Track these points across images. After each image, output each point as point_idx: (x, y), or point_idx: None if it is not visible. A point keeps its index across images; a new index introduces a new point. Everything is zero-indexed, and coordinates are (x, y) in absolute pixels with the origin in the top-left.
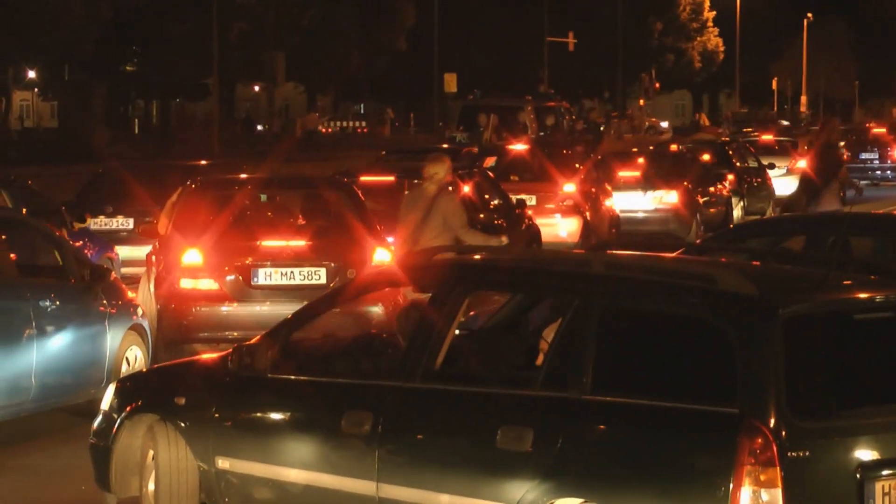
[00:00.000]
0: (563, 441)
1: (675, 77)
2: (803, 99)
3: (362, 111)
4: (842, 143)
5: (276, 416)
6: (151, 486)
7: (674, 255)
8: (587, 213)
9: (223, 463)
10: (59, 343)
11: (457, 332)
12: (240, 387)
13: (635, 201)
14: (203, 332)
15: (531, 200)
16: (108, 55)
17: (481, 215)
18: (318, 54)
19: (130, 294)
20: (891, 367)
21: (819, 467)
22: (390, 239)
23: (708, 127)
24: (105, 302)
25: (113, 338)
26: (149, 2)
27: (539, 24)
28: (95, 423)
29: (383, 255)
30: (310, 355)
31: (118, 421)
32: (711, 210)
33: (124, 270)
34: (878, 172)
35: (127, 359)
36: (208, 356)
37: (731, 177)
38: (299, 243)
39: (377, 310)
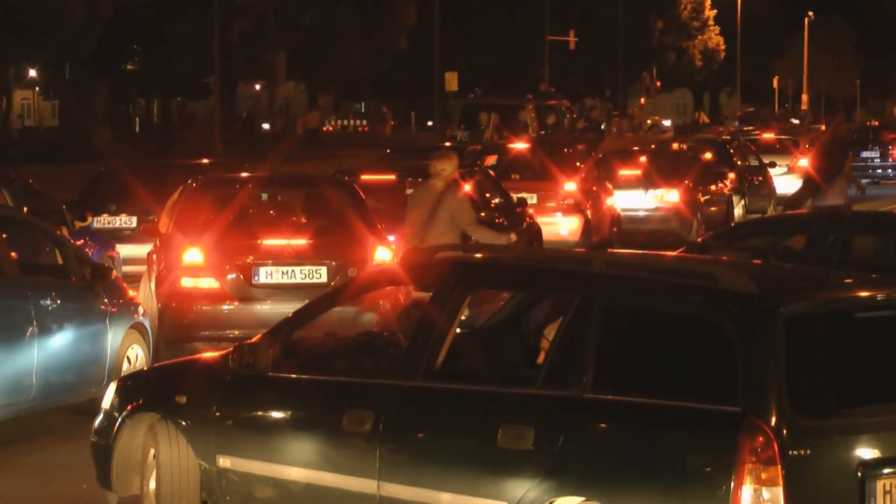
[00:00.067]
0: (564, 439)
1: (675, 76)
2: (804, 98)
3: (363, 110)
4: (854, 136)
5: (277, 414)
6: (152, 485)
7: (675, 253)
8: (588, 212)
9: (224, 461)
10: (60, 342)
11: (458, 330)
12: (241, 385)
13: (636, 200)
14: (204, 330)
15: (532, 199)
16: (108, 54)
17: (482, 214)
18: (318, 53)
19: (131, 293)
20: (892, 365)
21: (820, 466)
22: (391, 237)
23: (708, 125)
24: (106, 301)
25: (114, 336)
26: (150, 1)
27: (540, 22)
28: (96, 422)
29: (384, 253)
30: (311, 354)
31: (119, 420)
32: (712, 208)
33: (127, 269)
34: (880, 171)
35: (128, 357)
36: (209, 355)
37: (732, 175)
38: (300, 242)
39: (378, 308)
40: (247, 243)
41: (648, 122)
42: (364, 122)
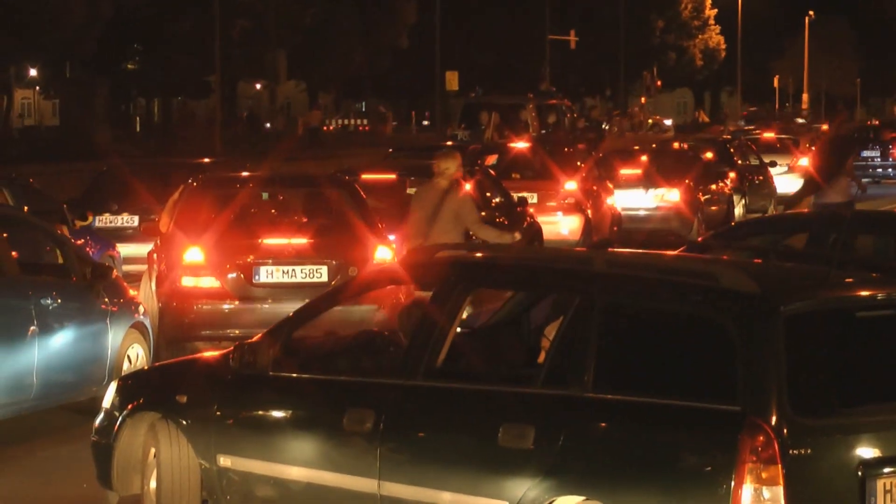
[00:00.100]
0: (564, 439)
1: (676, 75)
2: (805, 97)
3: (364, 109)
4: (855, 135)
5: (277, 413)
6: (153, 484)
7: (675, 252)
8: (589, 211)
9: (225, 461)
10: (60, 341)
11: (458, 329)
12: (241, 385)
13: (637, 199)
14: (204, 330)
15: (533, 198)
16: (109, 53)
17: (483, 213)
18: (319, 52)
19: (132, 292)
20: (892, 364)
21: (821, 465)
22: (392, 237)
23: (708, 124)
24: (107, 300)
25: (114, 336)
26: (150, 0)
27: (540, 22)
28: (97, 421)
29: (385, 253)
30: (311, 353)
31: (120, 419)
32: (713, 208)
33: (129, 268)
34: (880, 170)
35: (128, 357)
36: (210, 354)
37: (732, 175)
38: (301, 241)
39: (379, 307)
40: (247, 242)
41: (650, 121)
42: (365, 122)
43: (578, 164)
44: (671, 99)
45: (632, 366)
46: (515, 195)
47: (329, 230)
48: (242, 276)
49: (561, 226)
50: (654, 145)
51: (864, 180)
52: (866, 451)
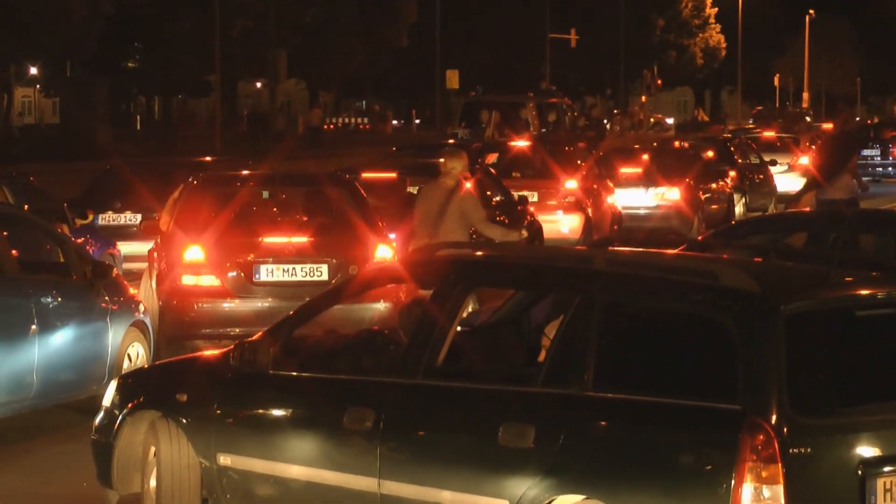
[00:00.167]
0: (564, 438)
1: (677, 74)
2: (805, 96)
3: (364, 108)
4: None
5: (277, 412)
6: (153, 483)
7: (675, 251)
8: (589, 210)
9: (225, 459)
10: (60, 339)
11: (459, 328)
12: (241, 383)
13: (637, 198)
14: (205, 328)
15: (533, 197)
16: (109, 52)
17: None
18: (319, 51)
19: (132, 290)
20: (893, 363)
21: (821, 464)
22: (392, 235)
23: (708, 123)
24: (107, 298)
25: (115, 334)
26: None
27: (541, 20)
28: (97, 420)
29: (385, 251)
30: (311, 352)
31: (120, 417)
32: (713, 206)
33: (131, 266)
34: (880, 169)
35: (129, 355)
36: (210, 353)
37: (732, 173)
38: (301, 240)
39: (379, 306)
40: (248, 241)
41: (652, 119)
42: (365, 121)
43: (579, 162)
44: (671, 98)
45: (632, 365)
46: (516, 194)
47: (329, 229)
48: (243, 274)
49: (561, 224)
50: (654, 144)
51: (865, 179)
52: (866, 450)
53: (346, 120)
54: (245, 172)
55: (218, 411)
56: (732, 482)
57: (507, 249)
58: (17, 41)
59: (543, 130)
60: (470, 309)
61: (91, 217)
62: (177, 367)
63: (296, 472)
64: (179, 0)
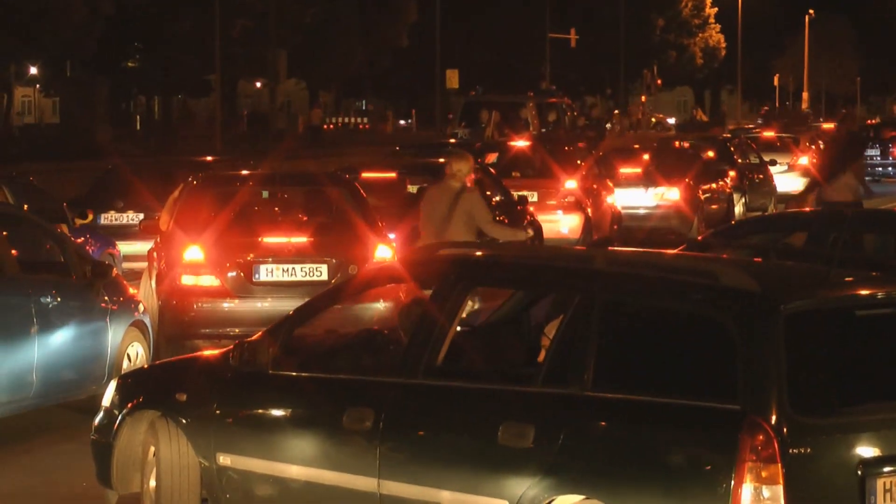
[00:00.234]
0: (564, 437)
1: (676, 73)
2: (805, 96)
3: (364, 108)
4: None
5: (277, 412)
6: (153, 483)
7: (675, 251)
8: (589, 210)
9: (224, 459)
10: (60, 339)
11: (458, 328)
12: (241, 383)
13: (637, 198)
14: (204, 328)
15: (533, 197)
16: (109, 52)
17: None
18: (319, 51)
19: (132, 290)
20: (893, 363)
21: (821, 464)
22: (392, 235)
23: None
24: (106, 298)
25: (114, 334)
26: None
27: (541, 20)
28: (97, 420)
29: (385, 251)
30: (311, 352)
31: (119, 417)
32: (713, 206)
33: (133, 265)
34: (880, 169)
35: (128, 355)
36: (210, 353)
37: (732, 173)
38: (301, 239)
39: (379, 306)
40: (247, 241)
41: (653, 119)
42: (365, 120)
43: (578, 162)
44: (671, 97)
45: (632, 364)
46: (515, 194)
47: (329, 228)
48: (242, 274)
49: (561, 224)
50: (654, 144)
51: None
52: (866, 450)
53: (346, 120)
54: (245, 172)
55: (217, 411)
56: (732, 482)
57: (507, 249)
58: (17, 41)
59: (543, 130)
60: (476, 307)
61: (91, 217)
62: (176, 366)
63: (295, 471)
64: (179, 0)
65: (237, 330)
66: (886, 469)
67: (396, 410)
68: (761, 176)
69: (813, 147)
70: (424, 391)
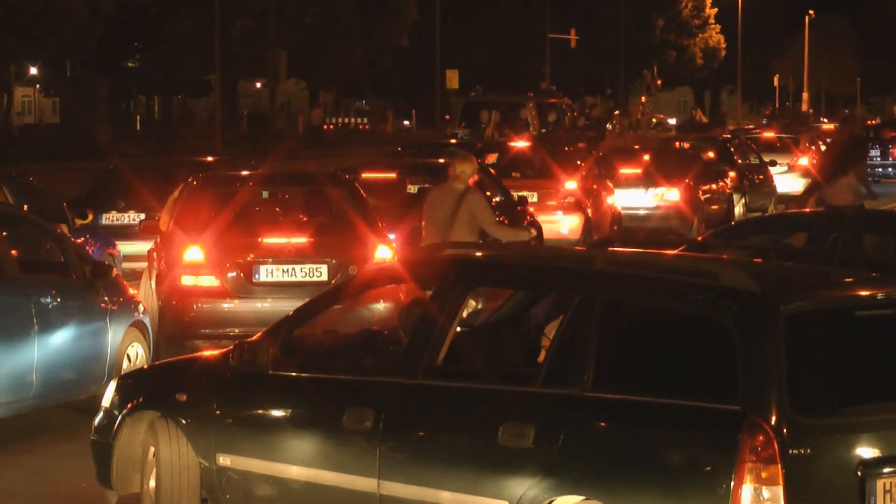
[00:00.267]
0: (564, 438)
1: (676, 74)
2: (805, 96)
3: (364, 108)
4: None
5: (277, 412)
6: (153, 483)
7: (675, 251)
8: (589, 210)
9: (224, 460)
10: (60, 340)
11: (458, 328)
12: (241, 383)
13: (637, 198)
14: (204, 328)
15: (533, 197)
16: (109, 52)
17: None
18: (319, 51)
19: (132, 291)
20: (892, 364)
21: (820, 465)
22: (392, 236)
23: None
24: (106, 299)
25: (114, 334)
26: None
27: (541, 20)
28: (97, 420)
29: (385, 251)
30: (311, 352)
31: (119, 418)
32: (713, 207)
33: (134, 265)
34: (880, 169)
35: (128, 355)
36: (210, 353)
37: (732, 174)
38: (301, 240)
39: (379, 306)
40: (247, 241)
41: (654, 120)
42: (365, 121)
43: (578, 163)
44: (671, 98)
45: (632, 365)
46: (515, 194)
47: (329, 229)
48: (242, 274)
49: (561, 225)
50: (654, 144)
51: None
52: (866, 451)
53: (346, 120)
54: (245, 172)
55: (217, 411)
56: (732, 483)
57: (507, 249)
58: (17, 41)
59: (543, 131)
60: (480, 307)
61: (91, 217)
62: (176, 367)
63: (295, 472)
64: (179, 0)
65: (237, 330)
66: (886, 470)
67: (396, 411)
68: (761, 176)
69: (813, 148)
70: (424, 391)
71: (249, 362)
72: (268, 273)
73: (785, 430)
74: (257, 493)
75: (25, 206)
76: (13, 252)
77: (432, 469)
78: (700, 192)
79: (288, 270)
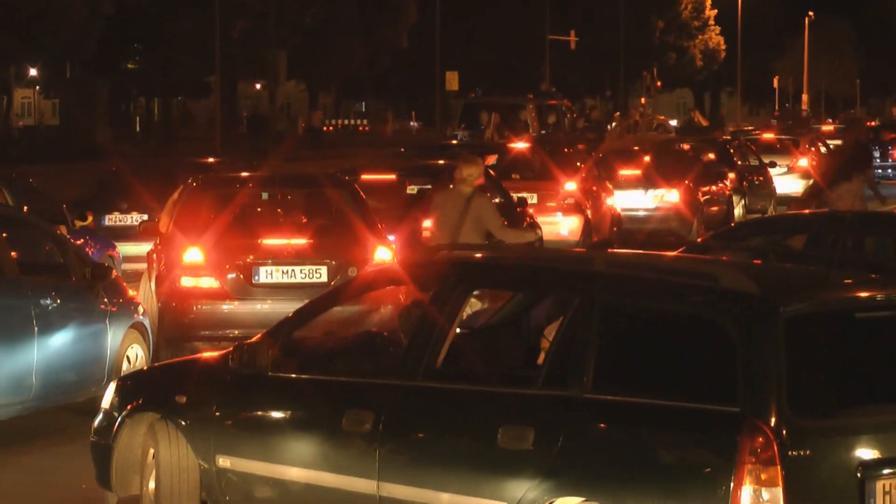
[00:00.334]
0: (563, 440)
1: (676, 75)
2: (804, 97)
3: (364, 109)
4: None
5: (276, 414)
6: (152, 485)
7: (675, 253)
8: (588, 212)
9: (224, 461)
10: (60, 341)
11: (458, 330)
12: (241, 385)
13: (637, 200)
14: (204, 330)
15: (532, 199)
16: (109, 53)
17: None
18: (319, 52)
19: (131, 292)
20: (892, 365)
21: (820, 466)
22: (392, 237)
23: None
24: (106, 300)
25: (114, 336)
26: (150, 0)
27: (541, 22)
28: (96, 422)
29: (384, 253)
30: (311, 354)
31: (119, 419)
32: (713, 208)
33: (135, 266)
34: (880, 171)
35: (128, 357)
36: (209, 354)
37: (732, 175)
38: (300, 241)
39: (378, 308)
40: (247, 243)
41: (654, 122)
42: (365, 122)
43: (578, 164)
44: (671, 99)
45: (631, 367)
46: (515, 195)
47: (329, 230)
48: (242, 276)
49: (560, 226)
50: (654, 146)
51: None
52: (866, 453)
53: (346, 121)
54: (244, 174)
55: (217, 413)
56: (731, 484)
57: (507, 251)
58: (17, 42)
59: (543, 132)
60: (483, 307)
61: (90, 219)
62: (176, 368)
63: (295, 474)
64: (179, 0)
65: (237, 332)
66: (886, 471)
67: (396, 412)
68: (761, 178)
69: (812, 149)
70: (424, 393)
71: (249, 364)
72: (267, 274)
73: (784, 432)
74: (257, 494)
75: (25, 208)
76: (13, 254)
77: (432, 471)
78: (700, 194)
79: (287, 272)
